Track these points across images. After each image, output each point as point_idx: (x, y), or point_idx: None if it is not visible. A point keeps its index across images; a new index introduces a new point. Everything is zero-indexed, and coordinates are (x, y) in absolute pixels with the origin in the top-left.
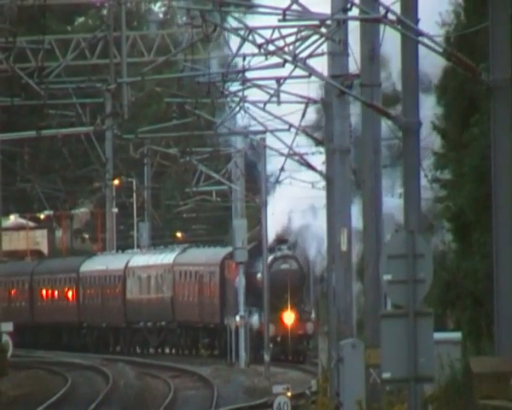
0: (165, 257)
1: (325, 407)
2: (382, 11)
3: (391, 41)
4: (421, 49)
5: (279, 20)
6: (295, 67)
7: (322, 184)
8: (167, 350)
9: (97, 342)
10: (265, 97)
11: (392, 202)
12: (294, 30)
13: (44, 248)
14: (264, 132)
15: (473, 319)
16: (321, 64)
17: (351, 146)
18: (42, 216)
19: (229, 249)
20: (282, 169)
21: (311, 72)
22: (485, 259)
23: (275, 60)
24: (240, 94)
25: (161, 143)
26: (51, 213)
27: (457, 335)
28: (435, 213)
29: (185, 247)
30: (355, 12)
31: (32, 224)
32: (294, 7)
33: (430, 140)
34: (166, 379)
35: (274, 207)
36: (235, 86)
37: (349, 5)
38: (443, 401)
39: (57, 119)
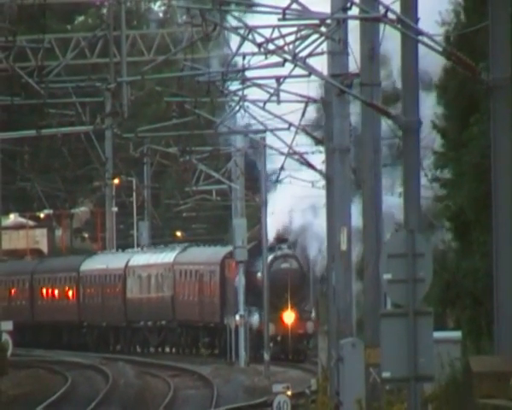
0: (166, 256)
1: (325, 406)
2: (382, 10)
3: (391, 39)
4: (422, 48)
5: (279, 19)
6: (295, 66)
7: (322, 183)
8: (167, 349)
9: (97, 341)
10: (265, 96)
11: (393, 201)
12: (294, 29)
13: (44, 248)
14: (263, 131)
15: (473, 318)
16: (321, 63)
17: (350, 145)
18: (42, 215)
19: (229, 248)
20: (281, 168)
21: (311, 71)
22: (484, 258)
23: (275, 59)
24: (240, 93)
25: (161, 142)
26: (51, 212)
27: (457, 334)
28: (435, 213)
29: (185, 246)
30: (355, 11)
31: (31, 223)
32: (294, 6)
33: (430, 139)
34: (166, 378)
35: (274, 206)
36: (234, 85)
37: (349, 4)
38: (443, 401)
39: (57, 118)
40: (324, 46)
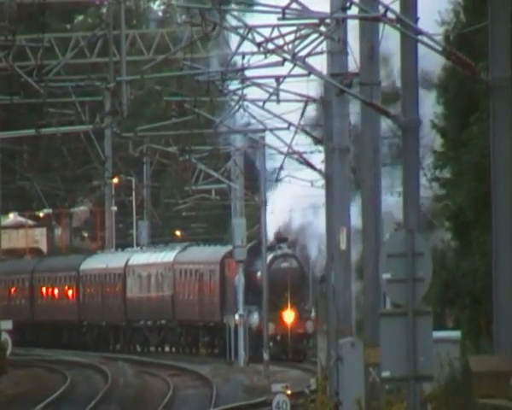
0: (166, 255)
1: (324, 406)
2: (382, 10)
3: (392, 38)
4: (421, 48)
5: (278, 19)
6: (294, 65)
7: (322, 182)
8: (167, 349)
9: (97, 340)
10: (265, 96)
11: (392, 201)
12: (294, 28)
13: (44, 247)
14: (263, 131)
15: (472, 318)
16: (320, 63)
17: (350, 144)
18: (41, 214)
19: (229, 248)
20: (281, 168)
21: (311, 70)
22: (484, 257)
23: (274, 58)
24: (239, 92)
25: (161, 141)
26: (50, 211)
27: (457, 334)
28: (434, 212)
29: (185, 245)
30: (354, 11)
31: (31, 222)
32: (294, 5)
33: (430, 138)
34: (166, 378)
35: (273, 205)
36: (234, 85)
37: (348, 4)
38: (442, 400)
39: (56, 117)
40: (324, 46)
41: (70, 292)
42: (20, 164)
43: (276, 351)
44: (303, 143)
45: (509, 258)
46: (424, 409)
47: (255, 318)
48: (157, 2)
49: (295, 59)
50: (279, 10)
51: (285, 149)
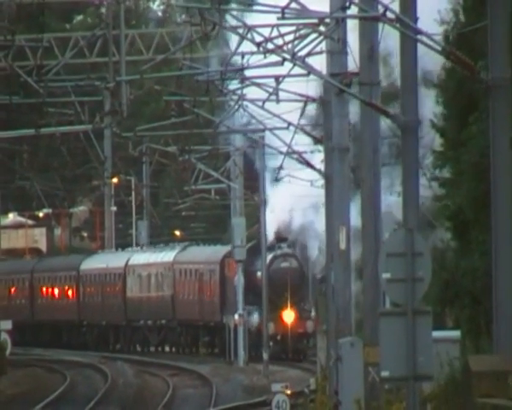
0: (166, 255)
1: (324, 406)
2: (381, 9)
3: (392, 37)
4: (421, 47)
5: (278, 19)
6: (294, 65)
7: (321, 182)
8: (167, 348)
9: (97, 340)
10: (264, 96)
11: (393, 200)
12: (293, 28)
13: (43, 247)
14: (262, 131)
15: (472, 318)
16: (320, 62)
17: (350, 143)
18: (41, 214)
19: (229, 248)
20: (280, 167)
21: (310, 70)
22: (483, 257)
23: (274, 58)
24: (239, 92)
25: (160, 141)
26: (50, 211)
27: (456, 333)
28: (434, 212)
29: (185, 245)
30: (354, 10)
31: (30, 222)
32: (293, 5)
33: (430, 137)
34: (165, 377)
35: (273, 205)
36: (233, 84)
37: (348, 3)
38: (442, 400)
39: (56, 117)
40: (323, 45)
41: (70, 292)
42: (19, 164)
43: (277, 351)
44: (302, 142)
45: (508, 257)
46: (424, 409)
47: (255, 317)
48: (156, 2)
49: (295, 59)
50: (278, 10)
51: (284, 149)
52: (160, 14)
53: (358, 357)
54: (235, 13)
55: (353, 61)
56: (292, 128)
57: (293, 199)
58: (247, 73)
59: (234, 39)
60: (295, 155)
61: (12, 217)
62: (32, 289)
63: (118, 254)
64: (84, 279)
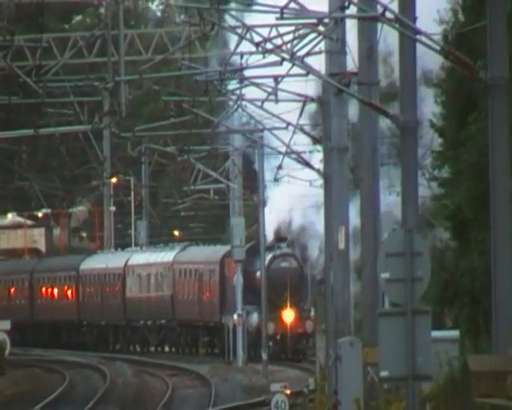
0: (165, 255)
1: (323, 406)
2: (380, 9)
3: (393, 36)
4: (420, 46)
5: (277, 19)
6: (293, 65)
7: (320, 182)
8: (167, 348)
9: (97, 340)
10: (263, 95)
11: (393, 200)
12: (292, 28)
13: (42, 247)
14: (261, 131)
15: (471, 317)
16: (319, 62)
17: (349, 142)
18: (40, 214)
19: (228, 248)
20: (279, 167)
21: (309, 70)
22: (482, 256)
23: (272, 58)
24: (237, 92)
25: (159, 141)
26: (49, 211)
27: (455, 333)
28: (433, 211)
29: (185, 245)
30: (353, 10)
31: (29, 222)
32: (292, 5)
33: (429, 137)
34: (164, 377)
35: (272, 205)
36: (232, 84)
37: (347, 3)
38: (441, 400)
39: (55, 117)
40: (322, 45)
41: (69, 292)
42: (18, 164)
43: (276, 351)
44: (301, 142)
45: (507, 257)
46: (423, 409)
47: (254, 317)
48: (155, 2)
49: (294, 59)
50: (277, 10)
51: (283, 149)
52: (158, 14)
53: (357, 357)
54: (234, 13)
55: (352, 61)
56: (291, 128)
57: (293, 199)
58: (246, 73)
59: (233, 39)
60: (294, 155)
61: (11, 217)
62: (32, 290)
63: (117, 254)
64: (83, 279)
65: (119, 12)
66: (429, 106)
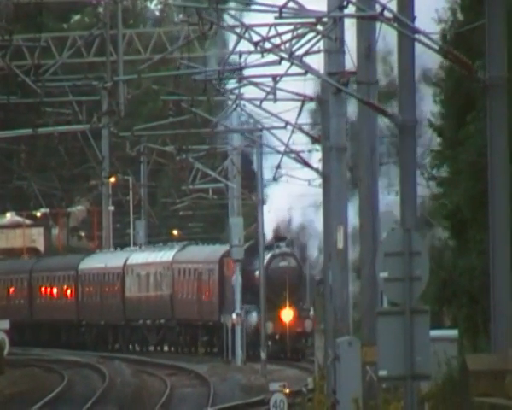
0: (164, 255)
1: (321, 405)
2: (379, 8)
3: (391, 36)
4: (419, 45)
5: (275, 18)
6: (291, 64)
7: (319, 181)
8: (166, 348)
9: (96, 339)
10: (262, 95)
11: (392, 200)
12: (291, 27)
13: (41, 246)
14: (260, 130)
15: (469, 317)
16: (317, 62)
17: (347, 141)
18: (38, 214)
19: (227, 247)
20: (278, 167)
21: (308, 69)
22: (481, 256)
23: (271, 57)
24: (236, 91)
25: (158, 140)
26: (47, 210)
27: (454, 332)
28: (432, 211)
29: (184, 244)
30: (351, 9)
31: (28, 221)
32: (291, 4)
33: (428, 136)
34: (163, 377)
35: (271, 204)
36: (231, 84)
37: (345, 3)
38: (439, 399)
39: (54, 117)
40: (321, 44)
41: (69, 292)
42: (17, 163)
43: (275, 350)
44: (300, 141)
45: (505, 256)
46: (421, 408)
47: (253, 317)
48: (154, 2)
49: (292, 58)
50: (276, 9)
51: (282, 149)
52: (157, 13)
53: (356, 356)
54: (232, 12)
55: (351, 60)
56: (289, 127)
57: (291, 198)
58: (245, 72)
59: (231, 39)
60: (293, 155)
61: (9, 216)
62: (31, 289)
63: (116, 253)
64: (82, 279)
65: (117, 11)
66: (428, 105)
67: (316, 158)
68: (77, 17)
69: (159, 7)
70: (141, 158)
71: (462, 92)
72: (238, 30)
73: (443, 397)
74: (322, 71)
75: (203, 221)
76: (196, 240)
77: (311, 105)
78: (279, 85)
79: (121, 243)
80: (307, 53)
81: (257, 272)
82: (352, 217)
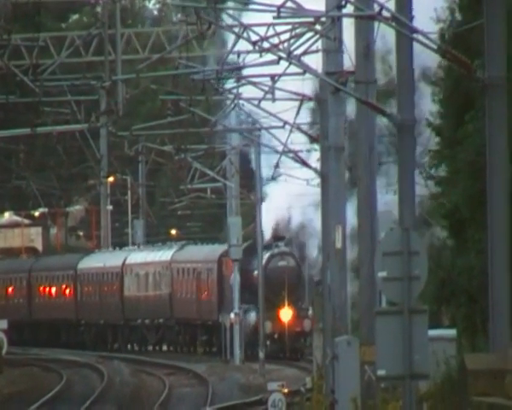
0: (163, 254)
1: (320, 405)
2: (377, 8)
3: (389, 35)
4: (418, 45)
5: (274, 17)
6: (290, 64)
7: (317, 181)
8: (165, 347)
9: (95, 339)
10: (260, 94)
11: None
12: (289, 27)
13: (39, 246)
14: (258, 129)
15: (468, 316)
16: (315, 61)
17: (346, 140)
18: (37, 213)
19: (226, 247)
20: (276, 166)
21: (306, 69)
22: (480, 255)
23: (269, 57)
24: (234, 91)
25: (156, 140)
26: (46, 210)
27: (452, 332)
28: (430, 210)
29: (183, 244)
30: (350, 9)
31: (26, 221)
32: (289, 4)
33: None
34: (161, 376)
35: (269, 204)
36: (229, 83)
37: (343, 2)
38: (438, 399)
39: (52, 116)
40: (319, 44)
41: (67, 291)
42: (15, 163)
43: (274, 349)
44: (299, 141)
45: (504, 256)
46: (420, 407)
47: (252, 316)
48: (152, 1)
49: (291, 57)
50: (274, 9)
51: (281, 148)
52: (155, 13)
53: (355, 356)
54: (230, 12)
55: (349, 60)
56: (288, 127)
57: (290, 198)
58: (243, 71)
59: (230, 38)
60: (291, 154)
61: (8, 216)
62: (30, 289)
63: (115, 253)
64: (81, 278)
65: (115, 11)
66: (427, 104)
67: (314, 157)
68: (75, 17)
69: (157, 6)
70: (139, 158)
71: (461, 91)
72: (236, 29)
73: (441, 397)
74: (320, 70)
75: (201, 221)
76: (195, 239)
77: (310, 104)
78: (277, 85)
79: (119, 242)
80: (305, 52)
81: (255, 272)
82: (351, 216)
